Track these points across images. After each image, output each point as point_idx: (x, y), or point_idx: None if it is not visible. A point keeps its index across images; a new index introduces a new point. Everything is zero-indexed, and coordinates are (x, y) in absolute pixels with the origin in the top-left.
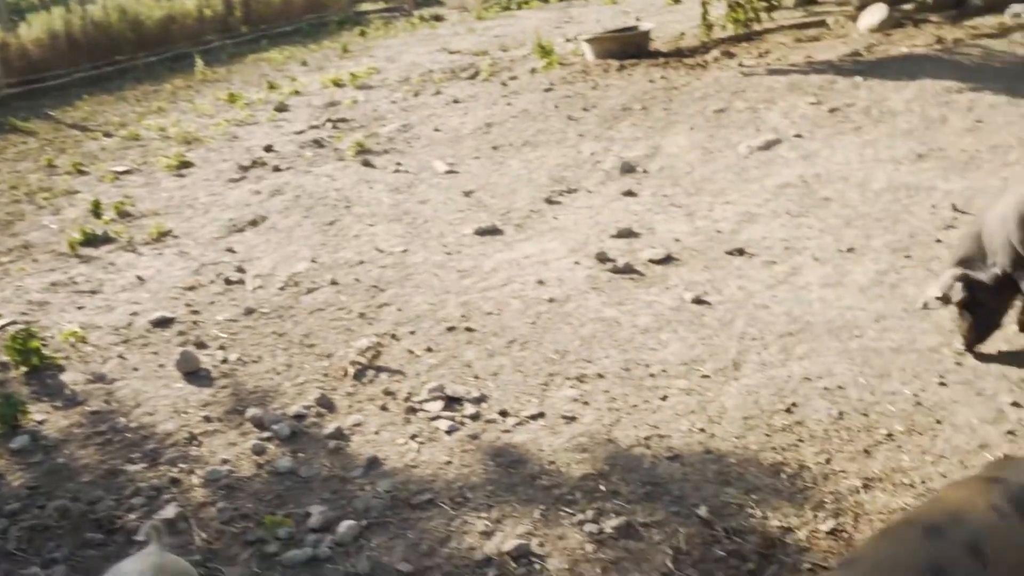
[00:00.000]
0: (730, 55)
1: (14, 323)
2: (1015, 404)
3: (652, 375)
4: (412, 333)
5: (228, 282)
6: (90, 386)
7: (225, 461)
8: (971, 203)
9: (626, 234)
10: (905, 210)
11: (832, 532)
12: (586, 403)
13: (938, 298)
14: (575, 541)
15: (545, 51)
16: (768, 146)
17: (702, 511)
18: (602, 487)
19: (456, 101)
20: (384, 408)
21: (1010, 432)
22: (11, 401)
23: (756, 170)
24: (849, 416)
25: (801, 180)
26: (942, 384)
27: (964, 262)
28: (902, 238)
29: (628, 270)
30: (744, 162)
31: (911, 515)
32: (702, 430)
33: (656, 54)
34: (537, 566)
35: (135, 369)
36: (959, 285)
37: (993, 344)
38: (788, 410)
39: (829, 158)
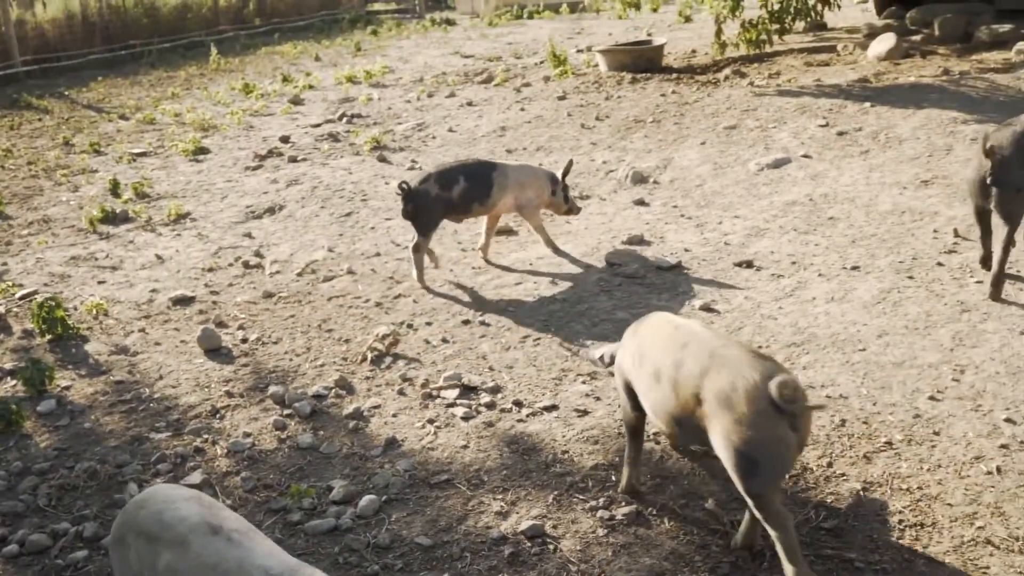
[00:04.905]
0: (741, 74)
1: (36, 293)
2: (1009, 420)
3: None
4: (428, 324)
5: (247, 266)
6: (113, 357)
7: (248, 435)
8: (972, 230)
9: (637, 241)
10: (908, 233)
11: (831, 530)
12: (598, 398)
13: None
14: (587, 525)
15: (559, 60)
16: (777, 164)
17: (709, 504)
18: (613, 477)
19: (470, 104)
20: (402, 393)
21: (1004, 446)
22: (39, 367)
23: (765, 187)
24: (851, 424)
25: (809, 199)
26: (939, 399)
27: None
28: (905, 259)
29: (638, 276)
30: (754, 179)
31: None
32: None
33: (668, 69)
34: (551, 546)
35: (157, 343)
36: None
37: (991, 365)
38: None
39: (836, 179)
